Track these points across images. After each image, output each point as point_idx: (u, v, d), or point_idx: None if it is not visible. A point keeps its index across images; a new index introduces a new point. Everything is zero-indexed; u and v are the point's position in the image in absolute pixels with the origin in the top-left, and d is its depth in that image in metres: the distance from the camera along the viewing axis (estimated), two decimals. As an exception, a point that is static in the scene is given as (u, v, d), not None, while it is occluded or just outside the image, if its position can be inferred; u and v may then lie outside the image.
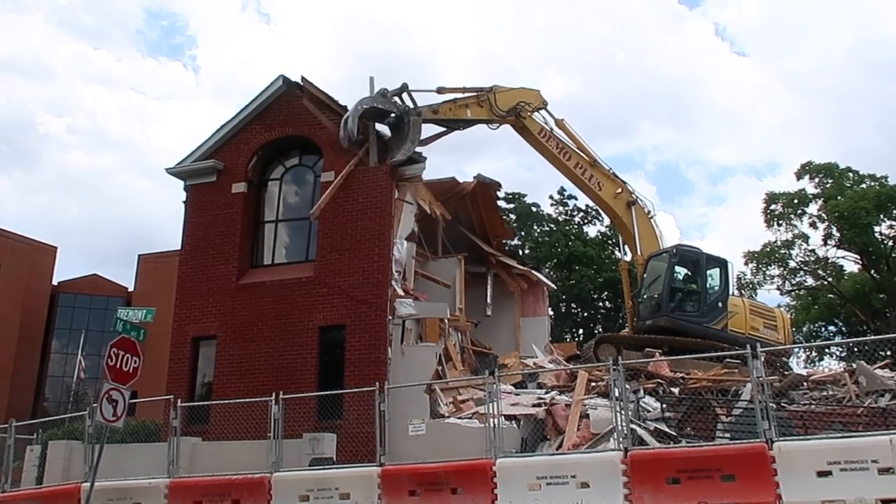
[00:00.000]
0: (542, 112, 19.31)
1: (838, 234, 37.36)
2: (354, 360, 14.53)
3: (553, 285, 26.46)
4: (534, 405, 13.81)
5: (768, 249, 39.35)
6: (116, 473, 12.46)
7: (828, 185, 37.62)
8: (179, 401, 13.54)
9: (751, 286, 39.64)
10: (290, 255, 16.84)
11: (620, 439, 10.11)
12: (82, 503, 11.88)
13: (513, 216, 43.34)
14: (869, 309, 37.85)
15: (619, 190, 19.61)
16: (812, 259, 39.33)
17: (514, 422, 13.11)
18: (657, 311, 17.88)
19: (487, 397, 11.28)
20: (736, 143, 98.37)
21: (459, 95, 18.20)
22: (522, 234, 44.18)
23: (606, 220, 38.06)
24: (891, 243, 37.11)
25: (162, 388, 15.78)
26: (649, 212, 19.72)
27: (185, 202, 17.30)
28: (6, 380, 36.34)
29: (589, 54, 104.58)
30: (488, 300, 21.30)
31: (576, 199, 45.39)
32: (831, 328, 41.80)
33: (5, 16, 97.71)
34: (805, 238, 38.79)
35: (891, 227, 36.70)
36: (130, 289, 41.87)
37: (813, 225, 38.40)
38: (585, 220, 46.04)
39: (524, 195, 46.01)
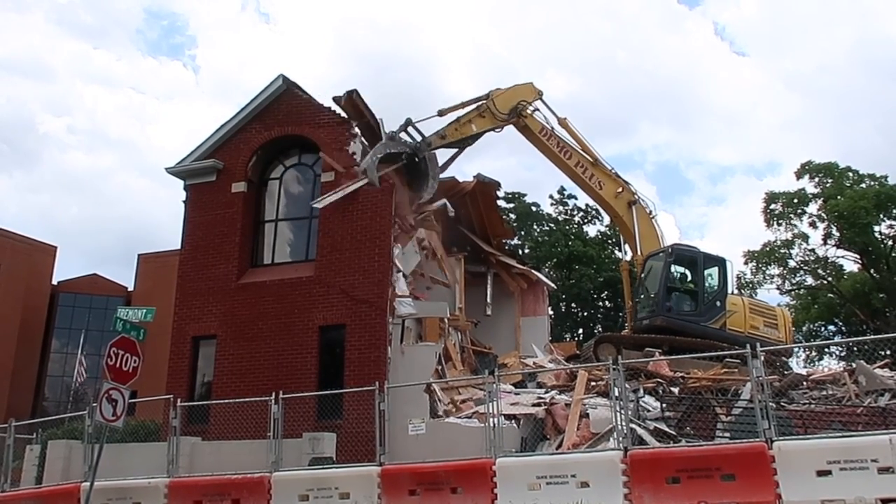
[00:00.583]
0: (544, 110, 19.39)
1: (838, 234, 37.35)
2: (354, 360, 14.53)
3: (553, 285, 26.44)
4: (534, 405, 13.81)
5: (768, 249, 39.34)
6: (116, 473, 12.46)
7: (828, 185, 37.59)
8: (179, 400, 13.55)
9: (751, 286, 39.66)
10: (290, 254, 16.85)
11: (620, 439, 10.11)
12: (82, 503, 11.87)
13: (513, 216, 43.32)
14: (869, 308, 37.85)
15: (620, 189, 19.59)
16: (812, 258, 39.33)
17: (513, 421, 13.10)
18: (654, 311, 17.89)
19: (487, 397, 11.28)
20: (736, 143, 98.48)
21: (461, 112, 18.47)
22: (522, 233, 44.17)
23: (606, 220, 38.13)
24: (890, 243, 37.10)
25: (162, 387, 15.78)
26: (651, 212, 19.72)
27: (185, 202, 17.30)
28: (6, 379, 36.33)
29: (589, 54, 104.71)
30: (488, 300, 21.28)
31: (576, 198, 45.42)
32: (831, 328, 41.81)
33: (5, 15, 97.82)
34: (805, 238, 38.82)
35: (891, 226, 36.74)
36: (130, 288, 41.88)
37: (813, 224, 38.42)
38: (585, 220, 46.03)
39: (524, 195, 46.05)
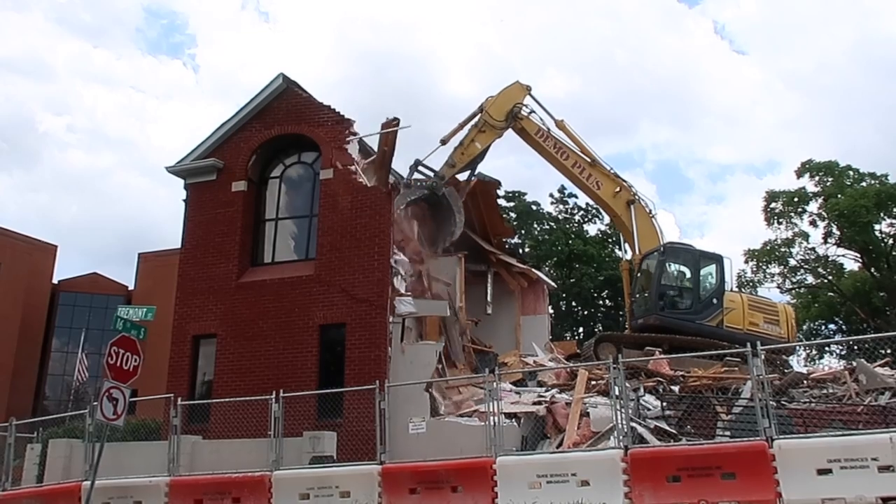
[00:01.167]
0: (540, 112, 19.51)
1: (838, 233, 37.37)
2: (354, 359, 14.52)
3: (553, 283, 26.46)
4: (534, 403, 13.81)
5: (768, 248, 39.34)
6: (117, 472, 12.48)
7: (828, 184, 37.61)
8: (180, 399, 13.56)
9: (751, 284, 39.63)
10: (291, 253, 16.84)
11: (621, 437, 10.12)
12: (83, 502, 11.87)
13: (513, 214, 43.33)
14: (869, 307, 37.87)
15: (618, 189, 19.63)
16: (812, 257, 39.33)
17: (514, 420, 13.11)
18: (648, 310, 17.91)
19: (488, 396, 11.28)
20: (735, 142, 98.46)
21: (462, 133, 18.86)
22: (522, 232, 44.16)
23: (607, 219, 38.11)
24: (891, 241, 37.10)
25: (162, 386, 15.78)
26: (650, 211, 19.72)
27: (185, 201, 17.30)
28: (6, 378, 36.31)
29: (588, 53, 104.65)
30: (488, 298, 21.30)
31: (576, 197, 45.40)
32: (831, 326, 41.83)
33: (5, 14, 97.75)
34: (805, 236, 38.84)
35: (891, 225, 36.75)
36: (131, 287, 41.86)
37: (813, 223, 38.44)
38: (586, 219, 46.03)
39: (524, 193, 46.06)
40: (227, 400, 14.03)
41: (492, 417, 10.86)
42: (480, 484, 10.22)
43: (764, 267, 39.82)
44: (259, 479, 11.59)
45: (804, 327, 40.39)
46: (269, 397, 12.14)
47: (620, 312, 36.90)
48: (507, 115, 18.94)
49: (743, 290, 35.33)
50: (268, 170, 17.40)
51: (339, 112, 16.49)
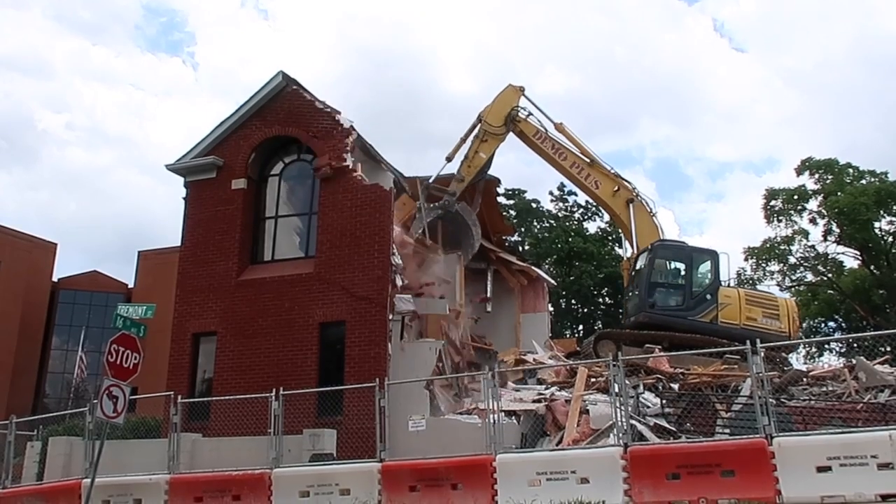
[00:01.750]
0: (537, 114, 19.79)
1: (838, 230, 37.36)
2: (354, 357, 14.53)
3: (553, 281, 26.49)
4: (534, 401, 13.82)
5: (768, 245, 39.33)
6: (117, 469, 12.48)
7: (828, 181, 37.58)
8: (180, 397, 13.55)
9: (750, 282, 39.62)
10: (290, 251, 16.82)
11: (620, 435, 10.12)
12: (83, 499, 11.88)
13: (513, 212, 43.33)
14: (869, 305, 37.86)
15: (617, 188, 19.66)
16: (812, 255, 39.32)
17: (513, 418, 13.13)
18: (639, 307, 17.91)
19: (487, 393, 11.29)
20: (735, 140, 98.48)
21: (465, 146, 19.33)
22: (522, 230, 44.18)
23: (606, 217, 38.10)
24: (891, 239, 37.08)
25: (162, 384, 15.80)
26: (651, 209, 19.72)
27: (184, 198, 17.29)
28: (6, 376, 36.34)
29: (588, 51, 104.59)
30: (488, 296, 21.30)
31: (576, 195, 45.36)
32: (831, 324, 41.85)
33: (4, 11, 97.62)
34: (805, 234, 38.82)
35: (891, 223, 36.70)
36: (130, 285, 41.85)
37: (813, 221, 38.43)
38: (585, 216, 46.04)
39: (524, 191, 46.12)
40: (227, 398, 14.03)
41: (491, 415, 10.86)
42: (480, 481, 10.22)
43: (763, 265, 39.84)
44: (259, 476, 11.60)
45: (804, 325, 40.39)
46: (269, 395, 12.13)
47: (620, 310, 36.91)
48: (505, 119, 19.27)
49: (744, 285, 35.30)
50: (267, 167, 17.39)
51: (338, 110, 16.45)
